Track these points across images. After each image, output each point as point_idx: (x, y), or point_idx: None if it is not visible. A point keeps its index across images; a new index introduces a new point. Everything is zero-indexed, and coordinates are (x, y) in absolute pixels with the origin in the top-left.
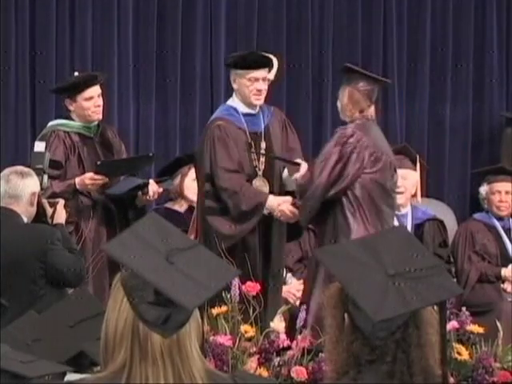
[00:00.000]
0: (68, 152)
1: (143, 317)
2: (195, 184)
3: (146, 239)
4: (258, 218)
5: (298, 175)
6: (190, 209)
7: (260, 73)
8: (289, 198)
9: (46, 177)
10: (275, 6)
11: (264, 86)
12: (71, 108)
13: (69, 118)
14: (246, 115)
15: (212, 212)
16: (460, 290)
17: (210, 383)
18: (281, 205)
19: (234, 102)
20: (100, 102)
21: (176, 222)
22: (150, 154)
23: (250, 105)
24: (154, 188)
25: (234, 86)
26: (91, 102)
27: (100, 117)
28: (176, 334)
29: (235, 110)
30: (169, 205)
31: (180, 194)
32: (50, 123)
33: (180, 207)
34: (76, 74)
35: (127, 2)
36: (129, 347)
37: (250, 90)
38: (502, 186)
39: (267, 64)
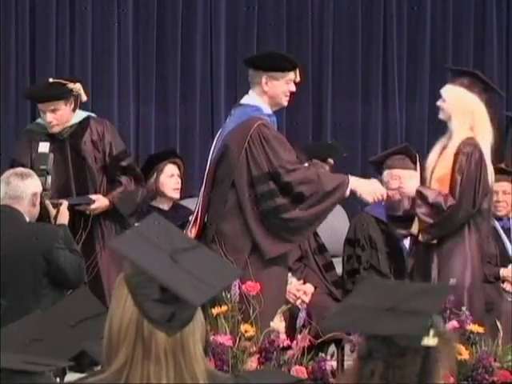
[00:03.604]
0: (32, 153)
1: (148, 314)
2: (172, 180)
3: (150, 238)
4: (339, 199)
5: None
6: (174, 207)
7: (293, 75)
8: (375, 180)
9: (49, 178)
10: (275, 5)
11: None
12: None
13: None
14: (269, 115)
15: (286, 209)
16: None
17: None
18: (372, 184)
19: (255, 101)
20: (50, 118)
21: None
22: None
23: (276, 106)
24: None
25: (265, 87)
26: (44, 115)
27: (55, 130)
28: (180, 332)
29: (260, 110)
30: (153, 203)
31: (156, 191)
32: (35, 121)
33: (164, 205)
34: (50, 80)
35: (127, 2)
36: (131, 345)
37: (284, 91)
38: (500, 186)
39: (297, 66)
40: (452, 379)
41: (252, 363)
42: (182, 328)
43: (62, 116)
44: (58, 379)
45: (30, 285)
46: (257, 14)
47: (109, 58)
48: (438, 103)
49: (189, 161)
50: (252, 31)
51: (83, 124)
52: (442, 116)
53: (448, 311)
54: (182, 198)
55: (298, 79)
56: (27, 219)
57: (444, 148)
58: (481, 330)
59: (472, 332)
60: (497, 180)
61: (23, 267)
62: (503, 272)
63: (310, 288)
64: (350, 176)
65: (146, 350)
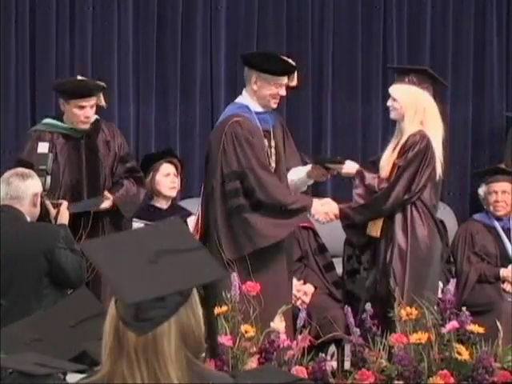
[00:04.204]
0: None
1: (120, 314)
2: (167, 179)
3: (140, 240)
4: (300, 221)
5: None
6: (172, 206)
7: (286, 79)
8: (330, 200)
9: (49, 178)
10: (275, 5)
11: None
12: (63, 109)
13: (60, 117)
14: (258, 113)
15: (245, 209)
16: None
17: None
18: (324, 205)
19: (245, 100)
20: (90, 113)
21: (159, 219)
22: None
23: (264, 107)
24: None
25: (254, 87)
26: (82, 111)
27: (87, 127)
28: (152, 333)
29: (247, 107)
30: (151, 202)
31: (152, 191)
32: (42, 121)
33: (162, 204)
34: (79, 77)
35: (127, 2)
36: (112, 345)
37: (273, 94)
38: (499, 186)
39: (294, 72)
40: (452, 379)
41: (252, 363)
42: (152, 328)
43: (94, 112)
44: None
45: (32, 285)
46: (257, 14)
47: (109, 58)
48: (389, 103)
49: (189, 161)
50: (252, 31)
51: (96, 125)
52: (393, 116)
53: (448, 311)
54: (181, 198)
55: (295, 83)
56: (28, 219)
57: (395, 147)
58: (481, 330)
59: (472, 332)
60: (497, 180)
61: (25, 267)
62: (503, 272)
63: (310, 288)
64: (314, 200)
65: (120, 349)
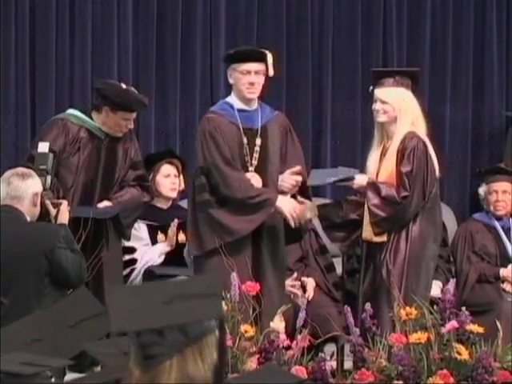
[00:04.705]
0: (67, 144)
1: (133, 356)
2: (168, 180)
3: (170, 287)
4: (266, 215)
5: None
6: (173, 206)
7: (251, 65)
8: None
9: (49, 178)
10: (275, 4)
11: (256, 80)
12: (104, 113)
13: (87, 112)
14: (240, 111)
15: (210, 205)
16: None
17: None
18: (293, 202)
19: (231, 98)
20: (132, 124)
21: (160, 219)
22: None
23: (244, 99)
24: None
25: (231, 80)
26: (126, 122)
27: (121, 135)
28: (155, 369)
29: (230, 105)
30: (152, 202)
31: (152, 191)
32: (67, 111)
33: (162, 204)
34: (123, 86)
35: (127, 1)
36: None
37: (243, 83)
38: (499, 185)
39: (259, 57)
40: (452, 379)
41: (252, 363)
42: (155, 366)
43: None
44: (53, 379)
45: (32, 284)
46: (257, 13)
47: (109, 58)
48: (378, 107)
49: (188, 161)
50: (252, 31)
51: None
52: (383, 119)
53: (448, 311)
54: (181, 198)
55: (270, 73)
56: (28, 219)
57: (384, 150)
58: (480, 330)
59: (472, 332)
60: (497, 180)
61: (25, 267)
62: (503, 272)
63: (311, 282)
64: (278, 196)
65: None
